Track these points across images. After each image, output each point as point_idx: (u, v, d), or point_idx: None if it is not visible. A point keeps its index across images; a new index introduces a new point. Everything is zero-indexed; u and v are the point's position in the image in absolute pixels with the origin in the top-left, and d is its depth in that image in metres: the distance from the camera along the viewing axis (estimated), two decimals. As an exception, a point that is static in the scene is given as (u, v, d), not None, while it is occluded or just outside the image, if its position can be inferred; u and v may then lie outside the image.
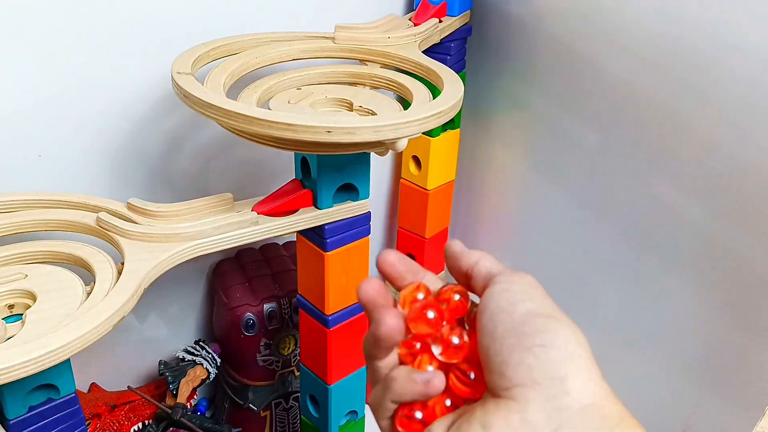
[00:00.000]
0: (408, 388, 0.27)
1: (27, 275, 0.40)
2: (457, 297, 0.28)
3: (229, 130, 0.41)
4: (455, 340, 0.26)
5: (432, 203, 0.70)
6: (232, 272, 0.64)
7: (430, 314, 0.27)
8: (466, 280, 0.29)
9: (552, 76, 0.62)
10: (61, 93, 0.49)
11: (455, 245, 0.29)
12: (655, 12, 0.52)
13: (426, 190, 0.69)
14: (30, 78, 0.48)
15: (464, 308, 0.28)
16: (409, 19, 0.59)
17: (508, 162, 0.69)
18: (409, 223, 0.73)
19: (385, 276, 0.29)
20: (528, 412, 0.24)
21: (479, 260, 0.28)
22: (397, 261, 0.29)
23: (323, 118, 0.37)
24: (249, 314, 0.60)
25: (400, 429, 0.27)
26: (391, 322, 0.26)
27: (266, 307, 0.61)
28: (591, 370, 0.25)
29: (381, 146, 0.40)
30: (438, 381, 0.26)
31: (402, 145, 0.39)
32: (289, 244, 0.68)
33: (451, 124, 0.69)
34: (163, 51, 0.52)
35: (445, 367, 0.27)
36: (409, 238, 0.73)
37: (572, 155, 0.62)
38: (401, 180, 0.72)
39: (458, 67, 0.65)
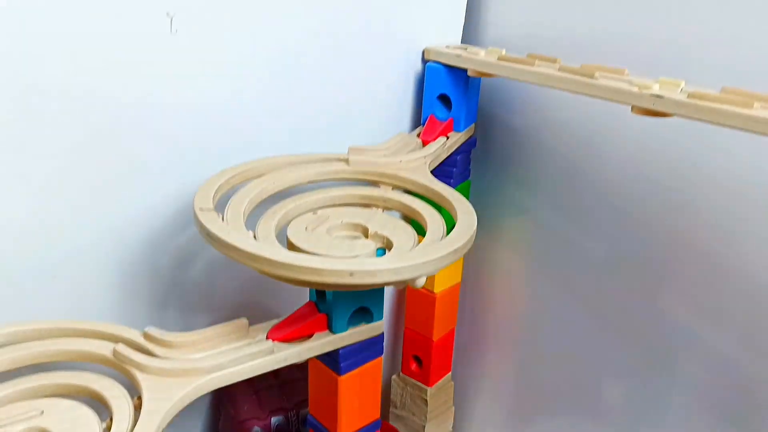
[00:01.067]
0: None
1: (43, 411, 0.40)
2: None
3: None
4: None
5: (439, 306, 0.71)
6: (239, 383, 0.63)
7: None
8: None
9: (555, 187, 0.64)
10: (73, 210, 0.50)
11: None
12: (655, 128, 0.54)
13: (433, 293, 0.70)
14: (41, 194, 0.48)
15: None
16: (417, 135, 0.61)
17: (513, 267, 0.70)
18: (417, 324, 0.73)
19: None
20: None
21: None
22: None
23: (346, 261, 0.38)
24: (257, 428, 0.60)
25: None
26: None
27: (274, 420, 0.60)
28: None
29: (400, 282, 0.41)
30: None
31: (421, 282, 0.40)
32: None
33: (457, 230, 0.70)
34: (177, 167, 0.53)
35: None
36: (416, 338, 0.73)
37: (579, 265, 0.63)
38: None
39: (463, 177, 0.66)
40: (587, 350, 0.65)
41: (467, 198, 0.68)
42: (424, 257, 0.39)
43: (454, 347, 0.76)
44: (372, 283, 0.38)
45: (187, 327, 0.62)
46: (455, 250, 0.40)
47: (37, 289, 0.51)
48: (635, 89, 0.42)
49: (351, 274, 0.37)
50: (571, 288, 0.65)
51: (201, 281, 0.61)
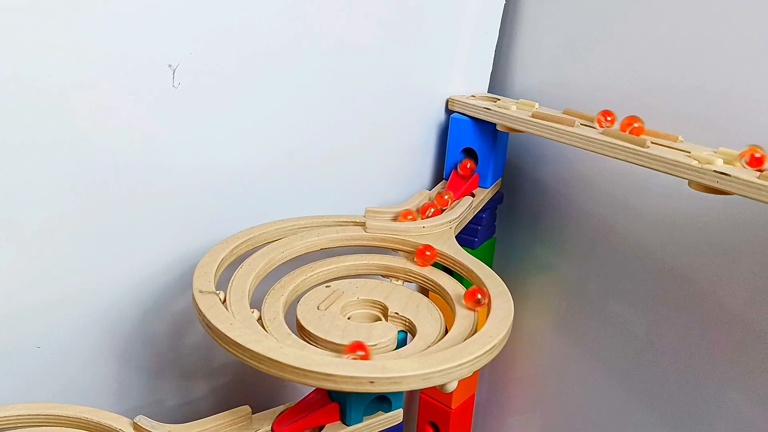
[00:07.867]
0: None
1: None
2: None
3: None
4: None
5: (458, 372, 0.65)
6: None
7: None
8: None
9: (585, 245, 0.59)
10: (61, 271, 0.45)
11: None
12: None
13: (452, 358, 0.65)
14: (26, 252, 0.43)
15: None
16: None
17: (539, 330, 0.65)
18: (433, 390, 0.67)
19: None
20: None
21: None
22: None
23: (365, 365, 0.33)
24: None
25: None
26: None
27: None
28: None
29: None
30: None
31: (452, 387, 0.35)
32: None
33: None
34: (177, 230, 0.48)
35: None
36: (432, 407, 0.68)
37: (615, 336, 0.58)
38: (425, 345, 0.67)
39: (488, 235, 0.61)
40: (614, 418, 0.59)
41: (491, 256, 0.63)
42: (456, 359, 0.34)
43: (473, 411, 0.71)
44: (396, 390, 0.33)
45: (185, 395, 0.57)
46: (492, 348, 0.35)
47: (21, 360, 0.46)
48: (695, 163, 0.37)
49: (372, 381, 0.32)
50: (599, 352, 0.60)
51: (199, 346, 0.56)
